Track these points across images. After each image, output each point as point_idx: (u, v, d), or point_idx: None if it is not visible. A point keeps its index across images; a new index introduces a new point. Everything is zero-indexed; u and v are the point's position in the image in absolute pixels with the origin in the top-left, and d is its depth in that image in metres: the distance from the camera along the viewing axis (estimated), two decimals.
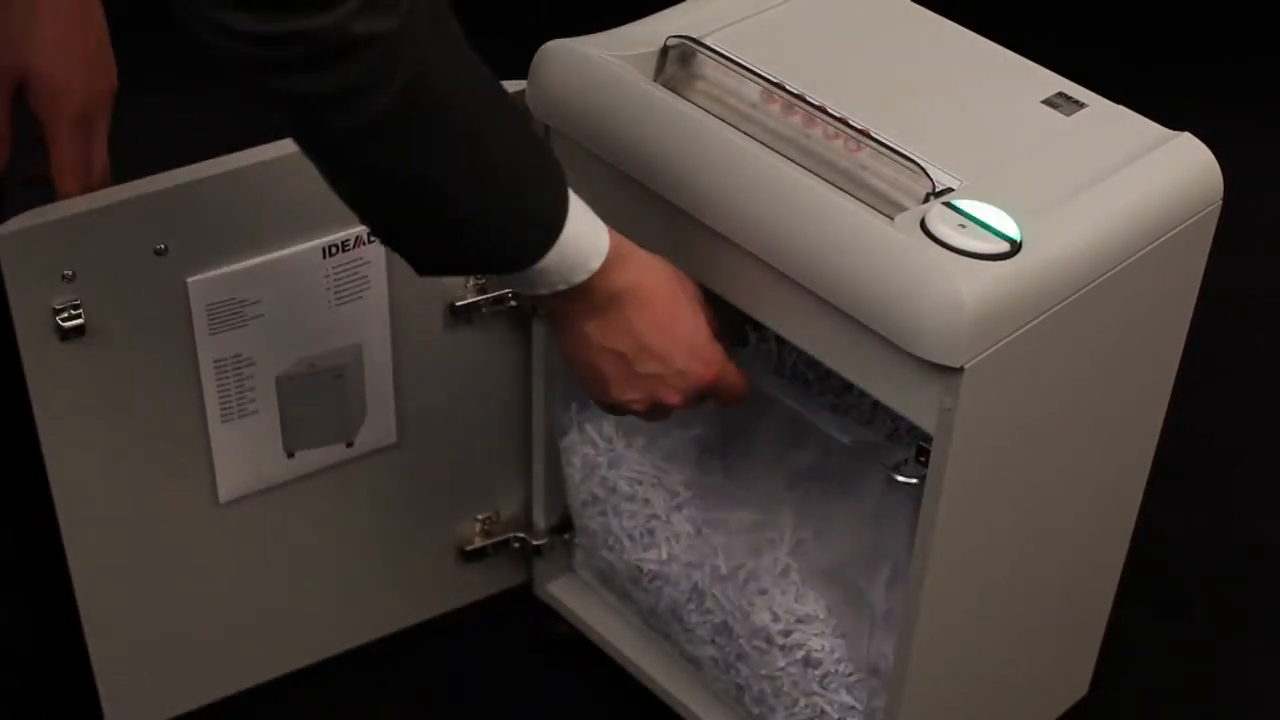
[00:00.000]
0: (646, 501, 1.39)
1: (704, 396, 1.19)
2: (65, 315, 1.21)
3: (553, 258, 1.07)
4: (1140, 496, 1.40)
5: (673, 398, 1.16)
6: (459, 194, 1.02)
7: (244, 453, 1.36)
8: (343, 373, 1.36)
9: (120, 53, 1.21)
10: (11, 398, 1.27)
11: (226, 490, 1.37)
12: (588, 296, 1.11)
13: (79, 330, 1.22)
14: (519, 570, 1.60)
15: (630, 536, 1.41)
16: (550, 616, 1.58)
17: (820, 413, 1.22)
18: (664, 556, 1.38)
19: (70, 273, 1.20)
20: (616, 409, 1.18)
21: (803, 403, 1.22)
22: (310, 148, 0.99)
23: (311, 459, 1.40)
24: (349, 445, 1.41)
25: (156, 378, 1.29)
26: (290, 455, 1.39)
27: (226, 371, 1.31)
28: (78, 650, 1.40)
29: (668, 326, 1.14)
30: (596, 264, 1.09)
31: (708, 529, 1.36)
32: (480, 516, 1.55)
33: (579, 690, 1.56)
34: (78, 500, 1.31)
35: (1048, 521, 1.29)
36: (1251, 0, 2.50)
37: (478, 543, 1.56)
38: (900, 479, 1.17)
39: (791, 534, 1.30)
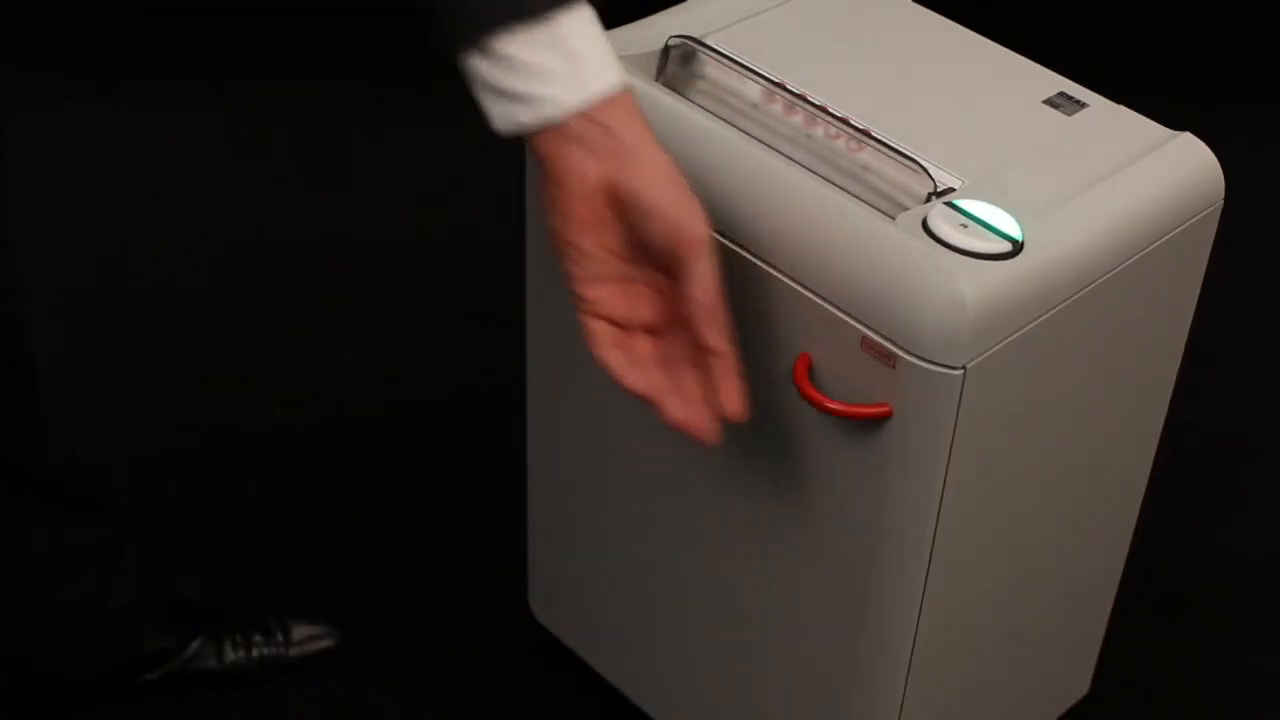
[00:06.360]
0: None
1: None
2: None
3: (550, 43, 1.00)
4: (1141, 496, 1.40)
5: None
6: None
7: None
8: None
9: (107, 52, 1.21)
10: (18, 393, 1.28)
11: None
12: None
13: None
14: None
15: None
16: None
17: None
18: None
19: None
20: None
21: None
22: None
23: None
24: None
25: None
26: None
27: None
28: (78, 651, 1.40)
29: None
30: (600, 86, 1.01)
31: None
32: None
33: (579, 690, 1.56)
34: None
35: (1049, 521, 1.29)
36: (1252, 1, 2.50)
37: None
38: None
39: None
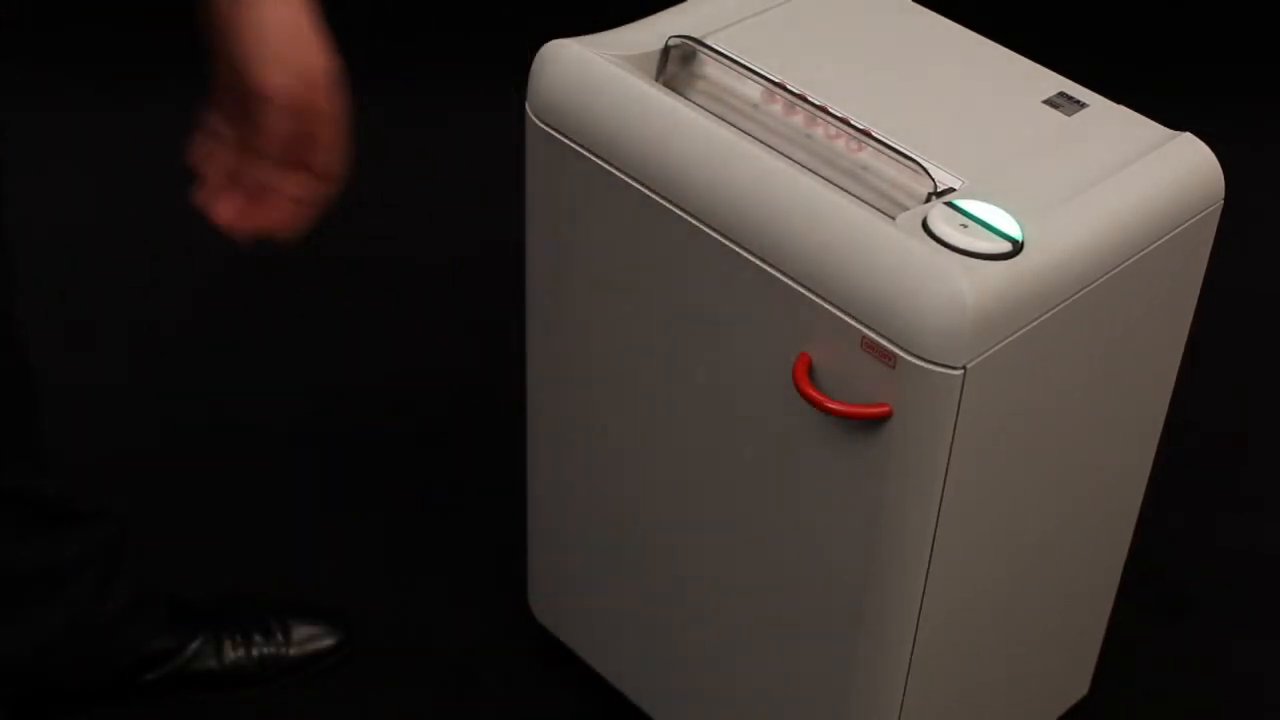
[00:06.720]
0: None
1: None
2: None
3: None
4: (1141, 496, 1.40)
5: None
6: None
7: None
8: None
9: (107, 52, 1.20)
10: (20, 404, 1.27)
11: None
12: None
13: None
14: None
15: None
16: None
17: None
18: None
19: None
20: None
21: None
22: None
23: None
24: None
25: None
26: None
27: None
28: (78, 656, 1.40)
29: None
30: None
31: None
32: None
33: (579, 690, 1.56)
34: None
35: (1049, 521, 1.28)
36: (1252, 2, 2.50)
37: None
38: None
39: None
